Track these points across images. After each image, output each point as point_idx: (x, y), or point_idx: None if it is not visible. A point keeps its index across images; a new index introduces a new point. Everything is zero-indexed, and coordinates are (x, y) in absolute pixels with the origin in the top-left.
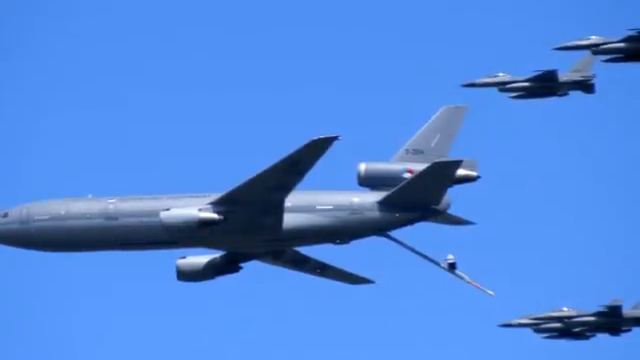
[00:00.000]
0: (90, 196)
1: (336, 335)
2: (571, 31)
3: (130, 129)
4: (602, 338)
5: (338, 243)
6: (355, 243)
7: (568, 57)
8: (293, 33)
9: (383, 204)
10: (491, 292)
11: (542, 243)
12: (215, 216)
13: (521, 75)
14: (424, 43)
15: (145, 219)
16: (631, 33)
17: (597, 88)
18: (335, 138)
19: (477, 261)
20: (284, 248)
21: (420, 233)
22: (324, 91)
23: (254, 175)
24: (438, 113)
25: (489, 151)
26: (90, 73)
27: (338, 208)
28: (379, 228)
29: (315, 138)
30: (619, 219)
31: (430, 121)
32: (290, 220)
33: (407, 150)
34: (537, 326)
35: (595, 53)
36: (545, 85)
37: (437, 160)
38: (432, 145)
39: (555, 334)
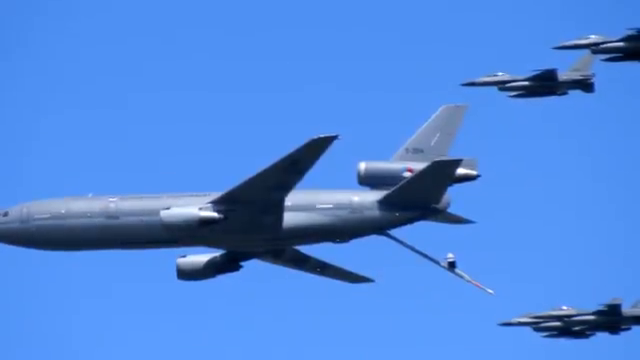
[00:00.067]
0: (90, 195)
1: (336, 334)
2: (571, 30)
3: (130, 129)
4: (602, 337)
5: (338, 242)
6: (355, 242)
7: (568, 56)
8: (293, 33)
9: (383, 203)
10: (491, 291)
11: (542, 242)
12: (215, 215)
13: (521, 74)
14: (424, 43)
15: (145, 218)
16: (630, 32)
17: (597, 87)
18: (335, 137)
19: (477, 260)
20: (284, 247)
21: (420, 232)
22: (324, 90)
23: (254, 174)
24: (438, 112)
25: (489, 150)
26: (90, 73)
27: (338, 207)
28: (379, 227)
29: (315, 137)
30: (619, 218)
31: (430, 120)
32: (290, 219)
33: (407, 149)
34: (537, 325)
35: (595, 52)
36: (545, 84)
37: (437, 159)
38: (432, 144)
39: (555, 333)
